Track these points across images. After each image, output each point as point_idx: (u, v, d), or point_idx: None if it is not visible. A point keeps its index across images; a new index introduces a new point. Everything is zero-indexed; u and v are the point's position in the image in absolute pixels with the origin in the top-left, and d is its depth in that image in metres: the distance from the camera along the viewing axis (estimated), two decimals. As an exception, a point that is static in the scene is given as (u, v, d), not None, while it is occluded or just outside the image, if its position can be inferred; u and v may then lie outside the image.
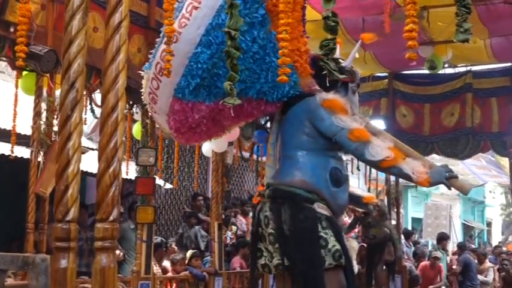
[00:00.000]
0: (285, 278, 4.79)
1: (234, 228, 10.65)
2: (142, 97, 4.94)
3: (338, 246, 4.55)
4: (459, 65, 10.25)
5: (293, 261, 4.58)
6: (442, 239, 14.16)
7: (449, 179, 4.54)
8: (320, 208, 4.66)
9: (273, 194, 4.75)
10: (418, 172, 4.51)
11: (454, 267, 13.00)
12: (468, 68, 10.21)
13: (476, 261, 13.46)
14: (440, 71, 9.62)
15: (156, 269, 7.10)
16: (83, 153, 4.48)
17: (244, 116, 5.04)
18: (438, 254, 12.78)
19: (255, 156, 9.57)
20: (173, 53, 4.21)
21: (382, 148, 4.55)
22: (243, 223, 11.14)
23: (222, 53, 4.05)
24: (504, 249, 17.92)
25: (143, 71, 4.73)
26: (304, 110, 4.78)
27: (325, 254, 4.51)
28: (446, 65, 9.73)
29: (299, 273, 4.55)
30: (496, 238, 29.05)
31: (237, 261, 9.15)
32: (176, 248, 8.88)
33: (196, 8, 4.32)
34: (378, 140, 4.62)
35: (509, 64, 9.85)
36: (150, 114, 5.79)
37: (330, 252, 4.51)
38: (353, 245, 5.39)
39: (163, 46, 4.34)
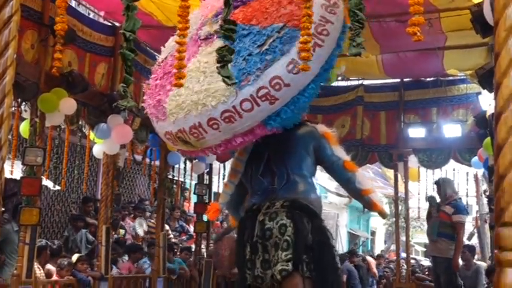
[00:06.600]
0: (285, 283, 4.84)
1: (122, 231, 10.45)
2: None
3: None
4: (352, 78, 10.55)
5: (323, 269, 4.86)
6: None
7: None
8: None
9: (290, 204, 4.97)
10: (381, 201, 5.27)
11: None
12: (360, 81, 10.53)
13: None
14: (334, 83, 9.84)
15: (39, 272, 6.86)
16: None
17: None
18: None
19: (147, 160, 9.45)
20: (288, 83, 4.40)
21: (365, 179, 5.36)
22: (131, 227, 10.95)
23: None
24: (386, 256, 18.60)
25: (234, 83, 4.12)
26: (309, 137, 5.25)
27: None
28: (339, 78, 9.98)
29: (328, 280, 4.87)
30: (379, 247, 30.12)
31: (125, 266, 8.99)
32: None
33: (320, 46, 4.54)
34: (360, 171, 5.39)
35: (398, 80, 10.24)
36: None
37: None
38: None
39: (278, 72, 4.41)
